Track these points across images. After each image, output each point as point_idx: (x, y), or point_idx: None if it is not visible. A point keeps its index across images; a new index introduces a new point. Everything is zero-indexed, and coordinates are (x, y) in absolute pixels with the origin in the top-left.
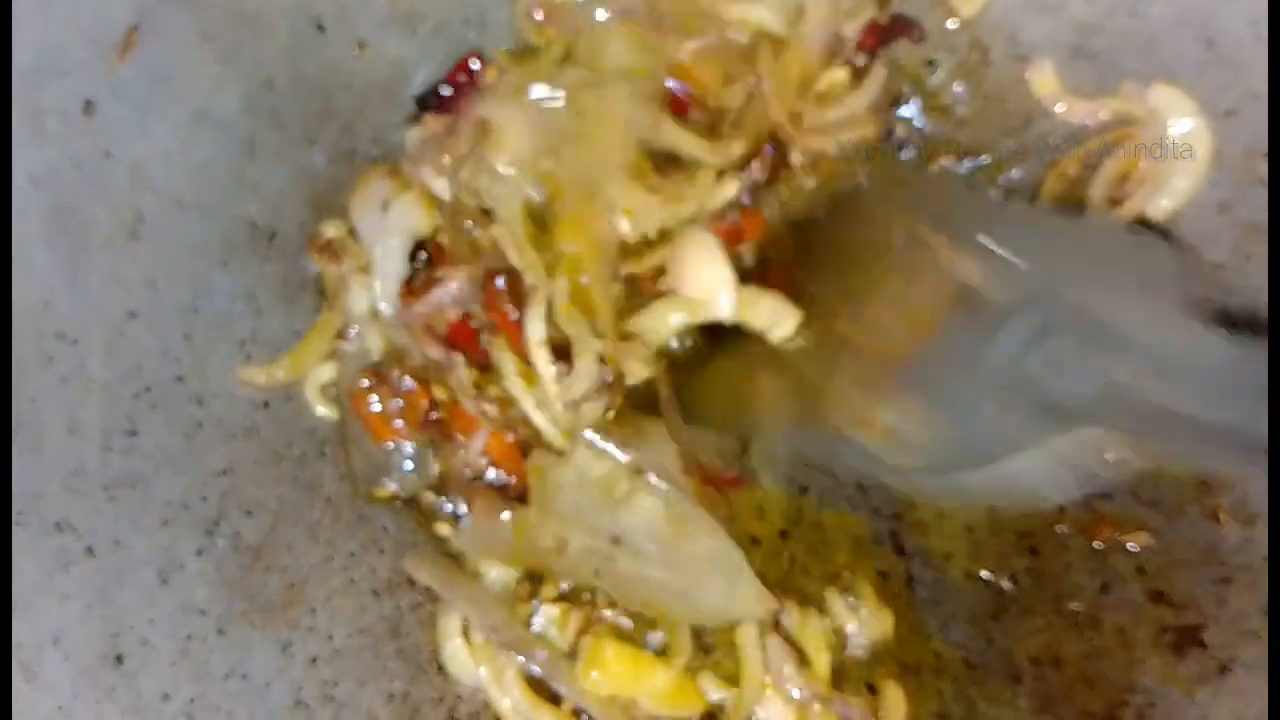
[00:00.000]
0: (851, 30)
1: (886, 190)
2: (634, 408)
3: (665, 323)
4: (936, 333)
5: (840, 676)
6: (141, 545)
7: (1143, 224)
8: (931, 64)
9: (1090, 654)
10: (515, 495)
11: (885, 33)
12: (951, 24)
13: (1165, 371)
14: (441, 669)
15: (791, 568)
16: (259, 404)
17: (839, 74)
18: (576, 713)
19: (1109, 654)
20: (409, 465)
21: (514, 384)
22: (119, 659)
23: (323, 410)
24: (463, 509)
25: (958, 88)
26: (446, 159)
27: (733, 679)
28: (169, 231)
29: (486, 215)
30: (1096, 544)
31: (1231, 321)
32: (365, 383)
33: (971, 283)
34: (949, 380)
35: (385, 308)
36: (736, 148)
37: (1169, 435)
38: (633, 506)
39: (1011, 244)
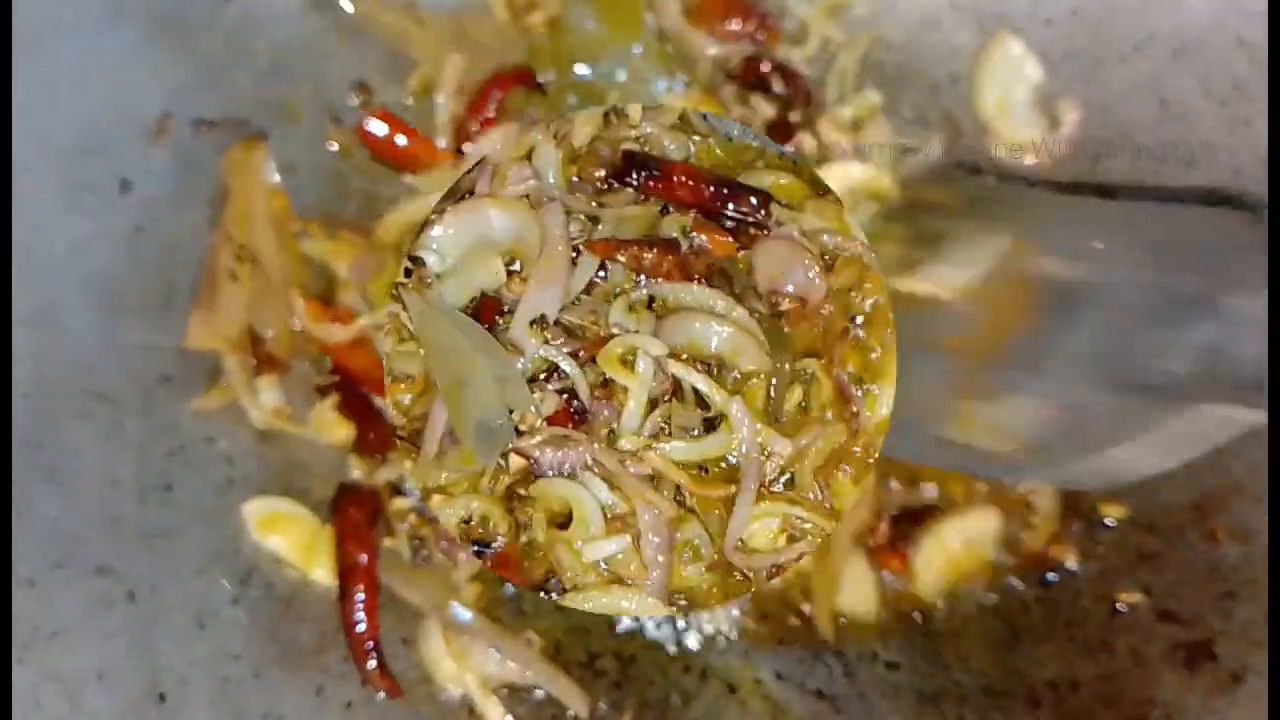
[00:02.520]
0: None
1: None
2: None
3: None
4: (1027, 327)
5: None
6: (178, 592)
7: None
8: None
9: (1106, 675)
10: None
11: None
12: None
13: (1252, 339)
14: (474, 712)
15: None
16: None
17: None
18: None
19: (1124, 673)
20: None
21: None
22: (161, 697)
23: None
24: None
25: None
26: None
27: None
28: None
29: None
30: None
31: None
32: None
33: (1054, 275)
34: (1044, 372)
35: None
36: None
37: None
38: None
39: (1087, 233)
